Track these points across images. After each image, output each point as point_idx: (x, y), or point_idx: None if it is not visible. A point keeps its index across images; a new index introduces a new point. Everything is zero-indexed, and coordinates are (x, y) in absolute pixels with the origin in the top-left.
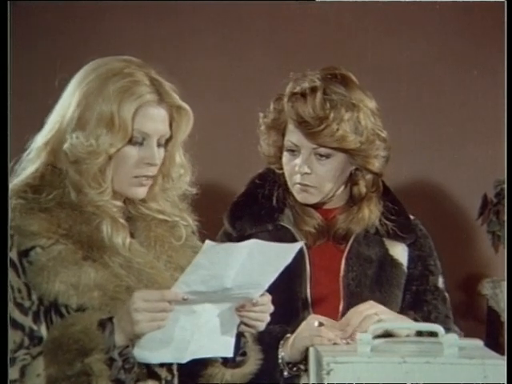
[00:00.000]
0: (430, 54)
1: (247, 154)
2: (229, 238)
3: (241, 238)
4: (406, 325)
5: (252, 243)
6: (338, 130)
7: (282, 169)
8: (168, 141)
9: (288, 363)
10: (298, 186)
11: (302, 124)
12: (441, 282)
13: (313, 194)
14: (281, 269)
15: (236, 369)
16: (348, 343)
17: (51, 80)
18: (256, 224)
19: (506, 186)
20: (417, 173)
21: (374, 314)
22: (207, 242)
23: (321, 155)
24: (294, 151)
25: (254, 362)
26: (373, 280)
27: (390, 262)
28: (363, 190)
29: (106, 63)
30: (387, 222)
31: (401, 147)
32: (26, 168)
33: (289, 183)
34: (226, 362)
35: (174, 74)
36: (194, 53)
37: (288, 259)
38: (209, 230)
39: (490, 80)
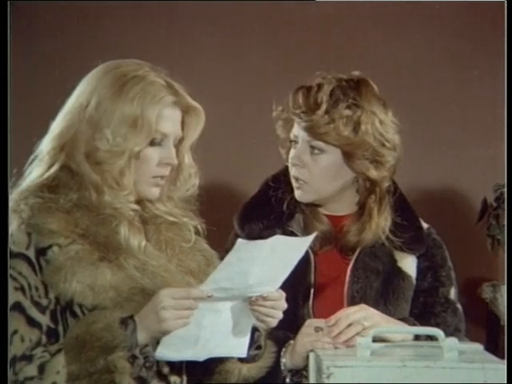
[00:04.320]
0: (430, 54)
1: (246, 154)
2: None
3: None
4: (406, 329)
5: (275, 239)
6: (329, 123)
7: None
8: (178, 142)
9: (290, 370)
10: (294, 181)
11: (298, 114)
12: (452, 294)
13: (306, 192)
14: (295, 263)
15: (252, 363)
16: (348, 346)
17: (51, 80)
18: (265, 228)
19: (505, 190)
20: (416, 175)
21: (359, 323)
22: (239, 240)
23: (313, 147)
24: (295, 143)
25: (268, 355)
26: (378, 292)
27: (397, 274)
28: (372, 199)
29: (118, 66)
30: (394, 238)
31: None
32: (39, 169)
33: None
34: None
35: (174, 75)
36: (193, 53)
37: (302, 252)
38: (214, 232)
39: (490, 80)
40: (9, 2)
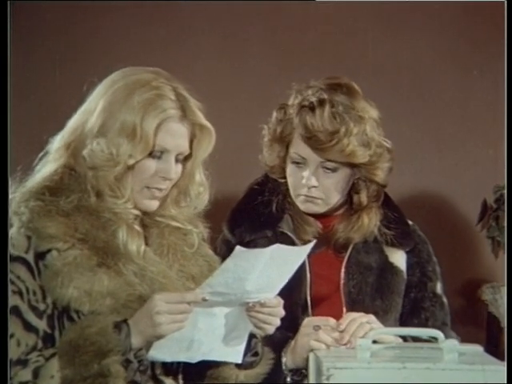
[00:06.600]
0: (430, 54)
1: (246, 157)
2: (228, 245)
3: (240, 245)
4: (406, 330)
5: (275, 248)
6: (348, 145)
7: (283, 178)
8: (187, 158)
9: (291, 369)
10: (303, 197)
11: (312, 138)
12: (439, 288)
13: (318, 205)
14: (293, 271)
15: (249, 369)
16: (348, 347)
17: (51, 80)
18: (255, 231)
19: (505, 191)
20: (416, 175)
21: (366, 323)
22: (237, 247)
23: (328, 168)
24: (299, 163)
25: (266, 361)
26: (373, 287)
27: (390, 269)
28: (364, 199)
29: (134, 73)
30: (386, 231)
31: (400, 148)
32: (44, 168)
33: (292, 193)
34: (239, 363)
35: (174, 76)
36: (193, 53)
37: (300, 260)
38: (212, 238)
39: (490, 80)
40: (9, 2)
